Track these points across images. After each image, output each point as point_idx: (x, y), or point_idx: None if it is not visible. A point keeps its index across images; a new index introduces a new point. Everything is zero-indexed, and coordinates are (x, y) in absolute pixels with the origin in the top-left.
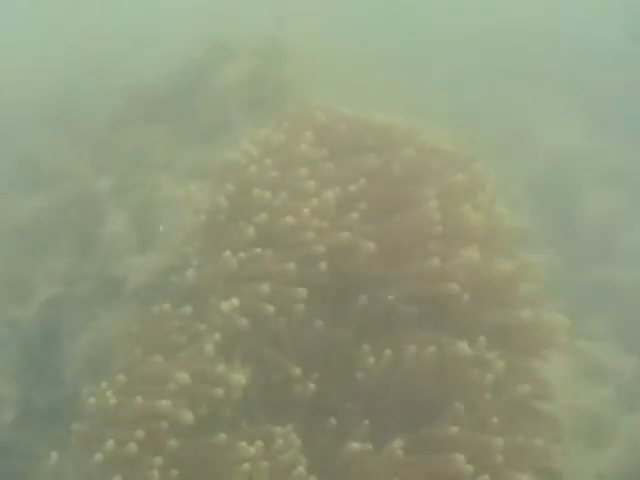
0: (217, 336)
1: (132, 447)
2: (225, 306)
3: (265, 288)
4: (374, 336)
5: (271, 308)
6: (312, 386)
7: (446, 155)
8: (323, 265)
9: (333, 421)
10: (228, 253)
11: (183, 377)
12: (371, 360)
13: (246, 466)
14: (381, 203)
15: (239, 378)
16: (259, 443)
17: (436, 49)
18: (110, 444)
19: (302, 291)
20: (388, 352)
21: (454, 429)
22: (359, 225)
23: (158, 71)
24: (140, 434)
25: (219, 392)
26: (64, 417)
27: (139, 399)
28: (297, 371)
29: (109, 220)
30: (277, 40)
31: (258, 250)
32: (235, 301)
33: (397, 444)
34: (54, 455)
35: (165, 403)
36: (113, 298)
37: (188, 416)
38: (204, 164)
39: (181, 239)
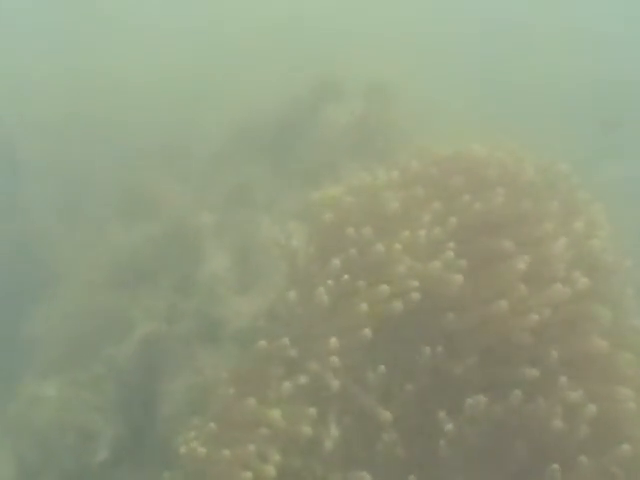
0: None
1: None
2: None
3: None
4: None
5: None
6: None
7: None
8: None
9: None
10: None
11: (275, 417)
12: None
13: None
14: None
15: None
16: None
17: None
18: None
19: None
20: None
21: None
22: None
23: (265, 108)
24: None
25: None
26: (156, 461)
27: (226, 452)
28: (387, 415)
29: (209, 257)
30: (384, 81)
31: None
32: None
33: None
34: None
35: (251, 455)
36: (213, 339)
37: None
38: (306, 205)
39: (280, 282)
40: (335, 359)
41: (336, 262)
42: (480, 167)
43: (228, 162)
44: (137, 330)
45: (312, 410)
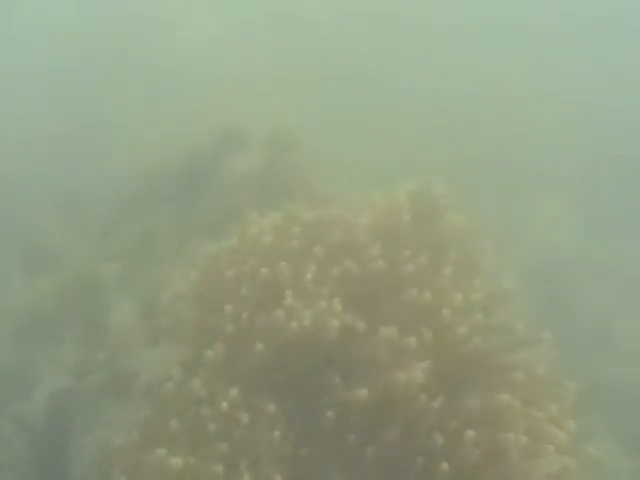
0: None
1: None
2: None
3: None
4: None
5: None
6: None
7: None
8: None
9: None
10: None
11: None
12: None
13: None
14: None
15: None
16: None
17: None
18: None
19: None
20: None
21: None
22: None
23: (168, 159)
24: None
25: None
26: None
27: None
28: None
29: (116, 309)
30: (285, 131)
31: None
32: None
33: None
34: None
35: None
36: (124, 392)
37: None
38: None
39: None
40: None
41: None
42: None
43: (132, 211)
44: (44, 385)
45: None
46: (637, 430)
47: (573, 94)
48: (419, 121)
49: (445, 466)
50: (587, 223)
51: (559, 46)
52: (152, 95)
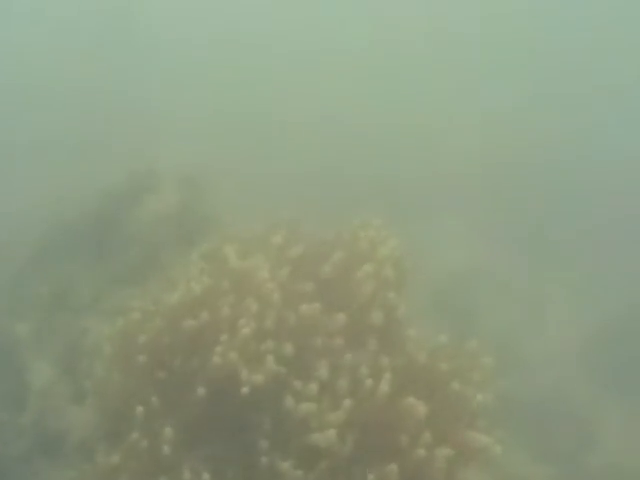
0: None
1: None
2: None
3: None
4: None
5: None
6: None
7: None
8: None
9: None
10: None
11: None
12: None
13: None
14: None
15: None
16: None
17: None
18: None
19: None
20: None
21: None
22: None
23: (78, 206)
24: None
25: None
26: None
27: None
28: None
29: (33, 368)
30: (196, 173)
31: None
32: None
33: None
34: None
35: None
36: (54, 453)
37: None
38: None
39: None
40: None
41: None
42: None
43: (43, 261)
44: None
45: None
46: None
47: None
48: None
49: None
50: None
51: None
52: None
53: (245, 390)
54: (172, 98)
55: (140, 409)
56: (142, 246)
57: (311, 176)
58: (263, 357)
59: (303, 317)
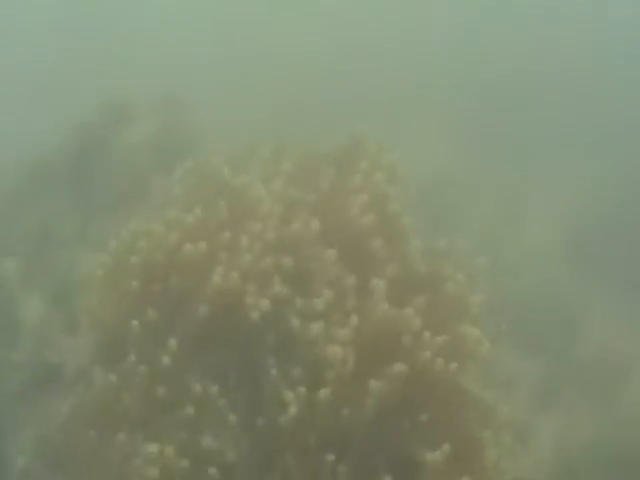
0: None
1: None
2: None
3: None
4: None
5: None
6: None
7: None
8: None
9: None
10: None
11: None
12: None
13: None
14: None
15: None
16: None
17: None
18: None
19: None
20: None
21: None
22: None
23: (57, 140)
24: None
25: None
26: None
27: None
28: None
29: (25, 304)
30: (174, 99)
31: None
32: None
33: None
34: None
35: None
36: (52, 385)
37: None
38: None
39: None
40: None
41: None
42: None
43: (26, 198)
44: None
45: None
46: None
47: None
48: None
49: None
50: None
51: None
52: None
53: (255, 315)
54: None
55: (136, 323)
56: (126, 173)
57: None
58: (268, 278)
59: (303, 235)
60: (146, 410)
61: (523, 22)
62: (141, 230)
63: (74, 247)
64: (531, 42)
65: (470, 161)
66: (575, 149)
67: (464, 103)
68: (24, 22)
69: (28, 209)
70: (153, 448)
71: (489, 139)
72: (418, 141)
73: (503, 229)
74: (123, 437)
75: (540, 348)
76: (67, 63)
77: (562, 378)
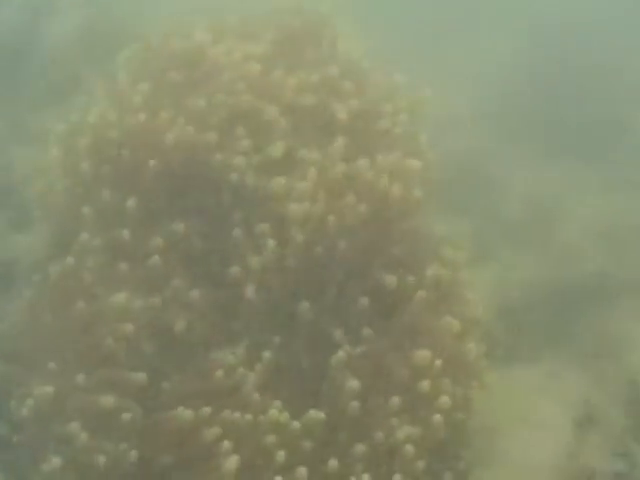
0: None
1: None
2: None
3: None
4: None
5: None
6: None
7: None
8: None
9: None
10: None
11: None
12: None
13: None
14: None
15: None
16: None
17: None
18: None
19: None
20: None
21: None
22: None
23: None
24: None
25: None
26: None
27: None
28: None
29: None
30: None
31: None
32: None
33: None
34: None
35: None
36: (6, 285)
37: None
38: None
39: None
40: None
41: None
42: None
43: None
44: None
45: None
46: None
47: None
48: None
49: None
50: None
51: None
52: None
53: (234, 177)
54: None
55: (88, 209)
56: (58, 68)
57: None
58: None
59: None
60: (107, 285)
61: None
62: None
63: (9, 145)
64: None
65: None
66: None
67: None
68: None
69: None
70: (119, 298)
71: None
72: None
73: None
74: (83, 305)
75: (466, 210)
76: None
77: (493, 233)
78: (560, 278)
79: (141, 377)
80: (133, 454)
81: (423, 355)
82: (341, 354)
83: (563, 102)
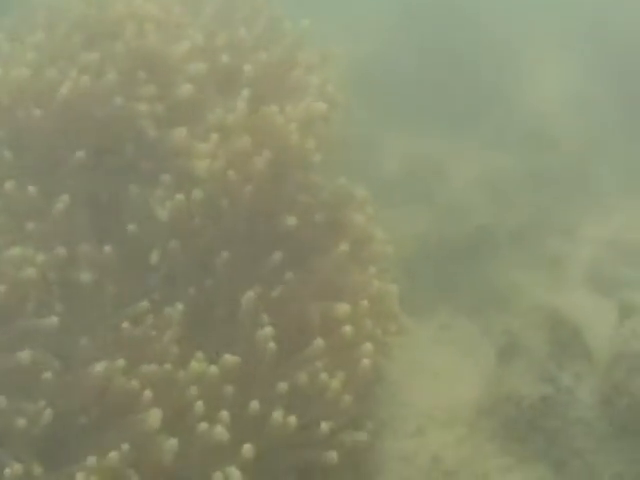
0: None
1: None
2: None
3: None
4: None
5: None
6: None
7: None
8: None
9: None
10: None
11: None
12: None
13: None
14: None
15: None
16: None
17: None
18: None
19: None
20: None
21: None
22: None
23: None
24: None
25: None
26: None
27: None
28: None
29: None
30: None
31: None
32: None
33: None
34: None
35: None
36: None
37: None
38: None
39: None
40: None
41: None
42: None
43: None
44: None
45: None
46: None
47: None
48: None
49: None
50: None
51: None
52: None
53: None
54: None
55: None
56: None
57: None
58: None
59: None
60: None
61: None
62: None
63: None
64: None
65: None
66: None
67: None
68: None
69: None
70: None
71: None
72: None
73: None
74: None
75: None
76: None
77: (379, 194)
78: (446, 232)
79: (53, 321)
80: (48, 413)
81: (343, 307)
82: (250, 294)
83: (441, 69)
